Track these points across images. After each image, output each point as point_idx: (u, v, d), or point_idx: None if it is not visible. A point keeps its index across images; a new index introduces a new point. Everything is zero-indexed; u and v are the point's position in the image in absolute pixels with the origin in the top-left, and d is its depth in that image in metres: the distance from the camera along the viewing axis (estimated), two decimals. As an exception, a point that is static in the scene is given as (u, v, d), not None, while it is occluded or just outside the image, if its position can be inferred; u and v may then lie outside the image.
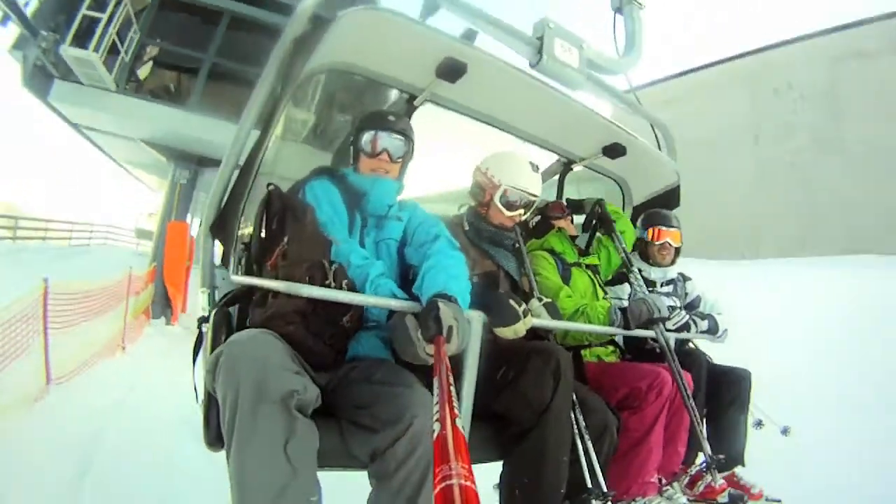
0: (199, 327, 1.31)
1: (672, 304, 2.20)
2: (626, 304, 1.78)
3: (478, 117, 1.96)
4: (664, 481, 1.72)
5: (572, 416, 1.38)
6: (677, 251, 2.26)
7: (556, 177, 2.45)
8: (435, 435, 0.58)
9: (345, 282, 1.20)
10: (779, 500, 1.83)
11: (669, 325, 1.90)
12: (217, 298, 1.38)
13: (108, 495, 1.97)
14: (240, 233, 1.41)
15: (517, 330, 1.29)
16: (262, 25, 6.39)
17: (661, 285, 2.24)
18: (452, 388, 0.73)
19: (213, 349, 1.16)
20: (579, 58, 1.60)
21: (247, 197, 1.39)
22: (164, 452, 2.34)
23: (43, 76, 5.86)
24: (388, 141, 1.49)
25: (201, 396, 1.13)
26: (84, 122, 6.48)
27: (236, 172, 1.41)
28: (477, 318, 1.22)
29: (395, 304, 1.18)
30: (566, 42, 1.58)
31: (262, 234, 1.24)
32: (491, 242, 1.75)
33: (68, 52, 5.36)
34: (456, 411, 0.63)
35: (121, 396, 3.04)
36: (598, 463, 1.39)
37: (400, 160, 1.52)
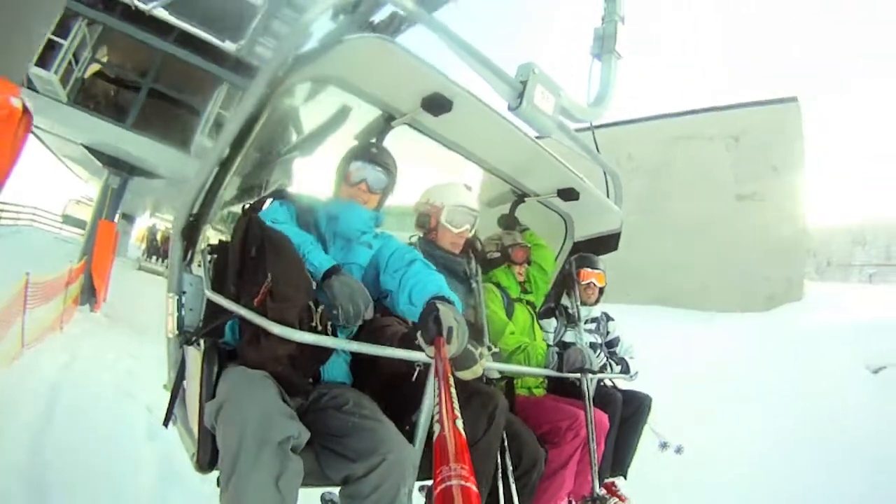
0: (181, 349, 1.33)
1: (594, 340, 2.41)
2: (556, 339, 2.08)
3: (447, 145, 2.00)
4: (574, 503, 1.91)
5: (499, 453, 1.55)
6: (601, 291, 2.51)
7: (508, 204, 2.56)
8: (435, 436, 0.59)
9: (329, 323, 1.25)
10: None
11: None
12: (182, 302, 1.41)
13: (69, 422, 2.85)
14: (206, 243, 1.43)
15: (475, 371, 1.34)
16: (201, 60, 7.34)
17: (586, 322, 2.43)
18: (453, 390, 0.75)
19: (204, 382, 1.19)
20: (554, 105, 1.65)
21: (218, 202, 1.39)
22: (99, 396, 3.51)
23: None
24: (369, 172, 1.53)
25: (191, 422, 1.22)
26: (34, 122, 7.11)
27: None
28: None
29: (401, 353, 1.23)
30: (546, 89, 1.62)
31: (241, 261, 1.26)
32: (444, 269, 1.80)
33: (33, 70, 6.14)
34: (456, 412, 0.65)
35: (67, 361, 4.26)
36: (526, 490, 1.60)
37: (379, 192, 1.56)
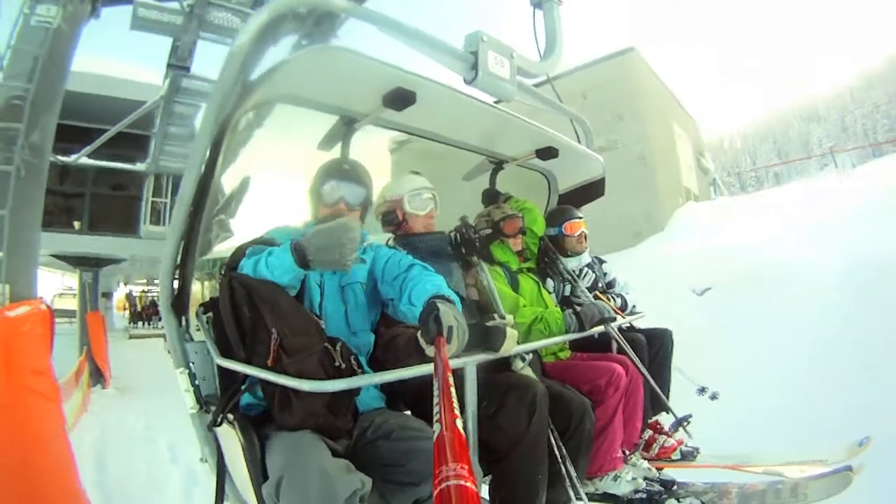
0: (212, 431, 1.27)
1: (588, 284, 2.39)
2: (557, 298, 2.13)
3: (416, 133, 1.97)
4: (627, 452, 1.92)
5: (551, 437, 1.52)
6: (586, 237, 2.51)
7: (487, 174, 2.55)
8: (435, 436, 0.59)
9: (351, 357, 1.20)
10: (696, 448, 2.07)
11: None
12: (194, 374, 1.34)
13: (117, 467, 3.81)
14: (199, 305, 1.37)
15: (507, 348, 1.34)
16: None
17: (581, 274, 2.42)
18: (453, 390, 0.74)
19: (250, 463, 1.13)
20: (510, 68, 1.60)
21: (196, 260, 1.33)
22: (131, 445, 4.45)
23: None
24: (344, 189, 1.49)
25: (243, 495, 1.20)
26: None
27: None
28: (470, 363, 1.26)
29: (414, 372, 1.17)
30: (498, 54, 1.58)
31: (238, 325, 1.20)
32: (430, 253, 1.79)
33: None
34: (456, 412, 0.64)
35: (99, 434, 4.86)
36: (584, 443, 1.60)
37: (358, 207, 1.53)
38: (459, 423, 0.61)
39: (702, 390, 2.25)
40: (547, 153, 2.21)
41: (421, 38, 1.44)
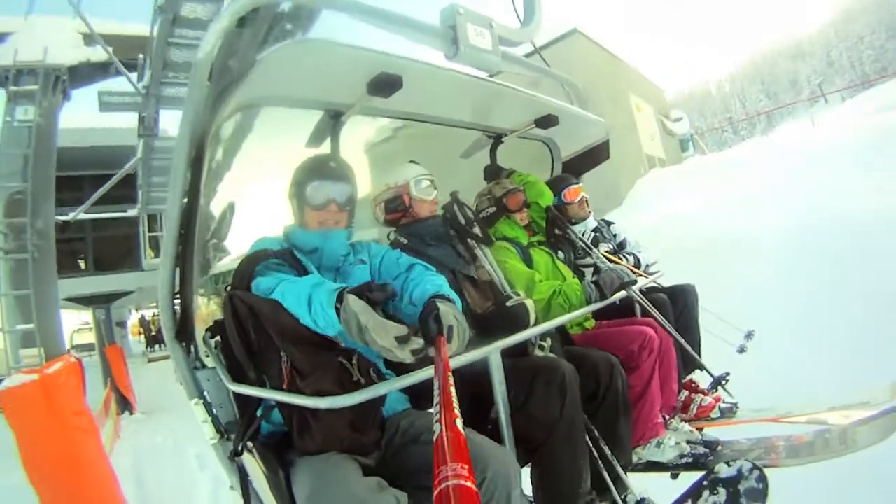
0: (233, 461, 1.20)
1: (607, 248, 2.35)
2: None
3: (407, 117, 1.91)
4: (667, 417, 1.87)
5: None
6: (588, 202, 2.48)
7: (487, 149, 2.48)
8: (435, 436, 0.58)
9: (370, 369, 1.13)
10: (735, 403, 2.00)
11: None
12: (210, 402, 1.29)
13: (154, 480, 4.46)
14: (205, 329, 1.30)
15: (529, 322, 1.38)
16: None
17: (589, 238, 2.35)
18: (453, 390, 0.73)
19: (276, 495, 1.06)
20: (491, 39, 1.54)
21: (194, 284, 1.28)
22: (163, 459, 5.08)
23: None
24: (333, 189, 1.37)
25: None
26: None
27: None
28: (494, 352, 1.21)
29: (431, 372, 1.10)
30: (477, 25, 1.51)
31: (246, 346, 1.14)
32: (437, 238, 1.75)
33: None
34: (456, 412, 0.63)
35: (134, 457, 5.29)
36: (619, 404, 1.52)
37: (348, 208, 1.42)
38: (459, 422, 0.60)
39: (748, 335, 2.25)
40: (546, 121, 2.15)
41: (395, 20, 1.39)
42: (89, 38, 4.33)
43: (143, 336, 19.37)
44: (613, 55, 12.74)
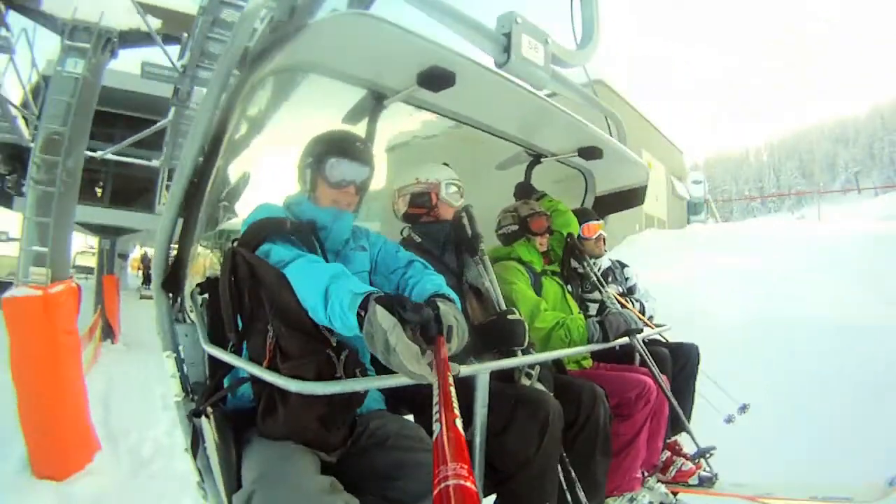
0: (191, 421, 1.14)
1: (616, 290, 2.31)
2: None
3: (450, 116, 1.87)
4: (646, 474, 1.81)
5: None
6: (605, 240, 2.44)
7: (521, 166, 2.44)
8: (434, 436, 0.57)
9: (357, 370, 1.08)
10: (714, 475, 1.92)
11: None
12: (182, 358, 1.23)
13: (120, 404, 4.87)
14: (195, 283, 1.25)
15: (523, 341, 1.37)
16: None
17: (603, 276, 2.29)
18: (452, 389, 0.71)
19: (223, 467, 1.02)
20: (544, 55, 1.51)
21: (197, 238, 1.22)
22: (131, 392, 5.39)
23: (4, 197, 9.04)
24: (356, 171, 1.30)
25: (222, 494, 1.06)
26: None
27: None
28: (483, 371, 1.16)
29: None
30: (532, 38, 1.48)
31: (234, 308, 1.08)
32: (450, 244, 1.72)
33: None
34: (456, 412, 0.62)
35: (107, 381, 5.71)
36: (599, 435, 1.45)
37: (361, 192, 1.35)
38: (459, 422, 0.59)
39: (742, 409, 2.18)
40: (590, 153, 2.10)
41: (451, 15, 1.35)
42: (145, 7, 4.83)
43: (140, 272, 19.53)
44: (634, 109, 12.85)
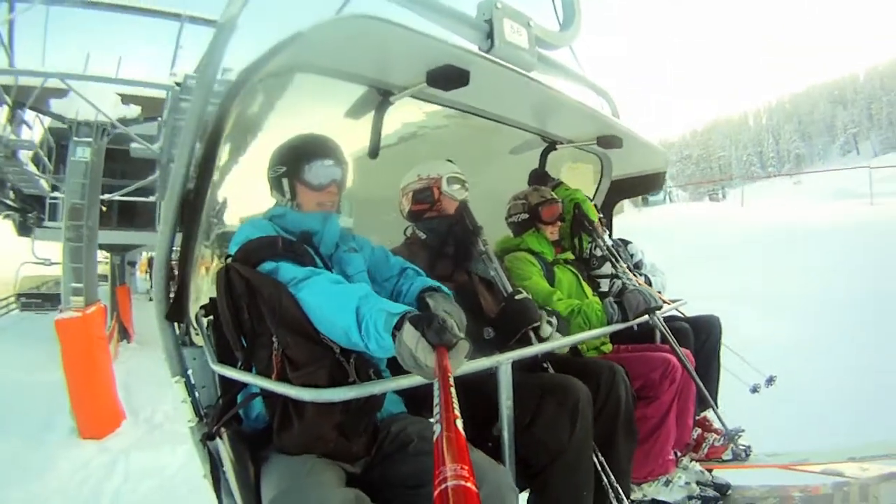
0: (205, 445, 1.11)
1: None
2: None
3: (461, 108, 1.84)
4: (679, 454, 1.76)
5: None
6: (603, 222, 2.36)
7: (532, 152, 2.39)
8: (435, 436, 0.57)
9: (370, 371, 1.05)
10: (749, 446, 1.87)
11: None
12: (191, 381, 1.21)
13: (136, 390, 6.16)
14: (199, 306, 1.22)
15: (544, 331, 1.37)
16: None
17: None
18: (453, 390, 0.70)
19: (241, 486, 0.99)
20: (528, 37, 1.50)
21: (193, 260, 1.19)
22: (147, 382, 6.23)
23: (26, 228, 10.42)
24: (334, 169, 1.28)
25: None
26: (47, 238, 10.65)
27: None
28: (505, 362, 1.13)
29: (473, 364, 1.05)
30: (515, 22, 1.47)
31: (236, 324, 1.05)
32: (455, 238, 1.68)
33: (48, 224, 9.89)
34: (456, 412, 0.62)
35: (125, 374, 6.48)
36: (621, 413, 1.38)
37: (342, 190, 1.33)
38: (460, 423, 0.59)
39: (769, 380, 2.10)
40: (608, 142, 2.08)
41: (430, 6, 1.35)
42: (126, 99, 6.44)
43: (148, 275, 20.82)
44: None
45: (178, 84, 5.69)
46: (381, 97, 1.61)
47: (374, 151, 1.69)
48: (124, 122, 6.20)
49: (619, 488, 1.30)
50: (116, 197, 9.05)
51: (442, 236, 1.67)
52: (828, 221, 9.09)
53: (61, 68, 5.59)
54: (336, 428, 1.00)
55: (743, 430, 1.80)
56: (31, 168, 7.64)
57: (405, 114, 1.80)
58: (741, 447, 1.86)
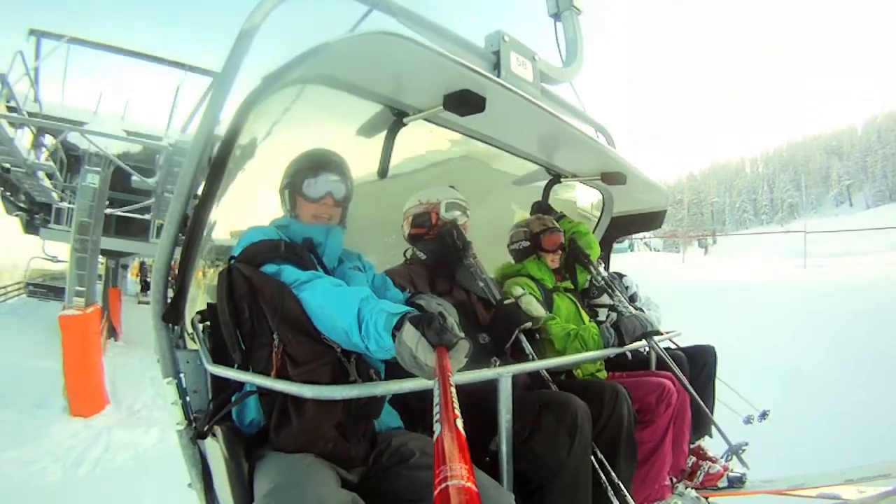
0: (195, 443, 1.10)
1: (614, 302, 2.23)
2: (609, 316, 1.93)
3: (471, 134, 1.86)
4: (674, 480, 1.75)
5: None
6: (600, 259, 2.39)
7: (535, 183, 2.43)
8: (435, 436, 0.56)
9: (371, 371, 1.06)
10: (744, 473, 1.86)
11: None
12: (184, 384, 1.19)
13: (121, 382, 7.12)
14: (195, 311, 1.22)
15: (537, 320, 1.43)
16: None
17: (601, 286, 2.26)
18: (453, 389, 0.70)
19: (234, 484, 0.97)
20: (533, 71, 1.56)
21: (193, 264, 1.19)
22: (131, 377, 7.39)
23: (32, 227, 11.26)
24: (332, 183, 1.30)
25: None
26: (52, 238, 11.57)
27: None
28: (505, 375, 1.13)
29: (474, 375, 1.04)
30: (520, 55, 1.53)
31: (235, 323, 1.05)
32: (454, 258, 1.70)
33: (53, 227, 10.78)
34: (456, 412, 0.62)
35: (112, 368, 7.23)
36: (622, 434, 1.38)
37: (343, 204, 1.34)
38: (460, 422, 0.59)
39: (763, 415, 2.10)
40: (612, 178, 2.10)
41: (442, 34, 1.38)
42: (131, 134, 7.64)
43: (139, 279, 21.46)
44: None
45: (171, 145, 7.01)
46: (395, 117, 1.61)
47: (383, 172, 1.70)
48: (128, 155, 7.81)
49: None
50: (118, 212, 10.35)
51: (437, 254, 1.70)
52: (748, 280, 9.22)
53: (77, 99, 7.21)
54: (337, 427, 0.99)
55: (746, 444, 1.78)
56: (46, 182, 8.92)
57: (412, 137, 1.79)
58: (736, 474, 1.87)
